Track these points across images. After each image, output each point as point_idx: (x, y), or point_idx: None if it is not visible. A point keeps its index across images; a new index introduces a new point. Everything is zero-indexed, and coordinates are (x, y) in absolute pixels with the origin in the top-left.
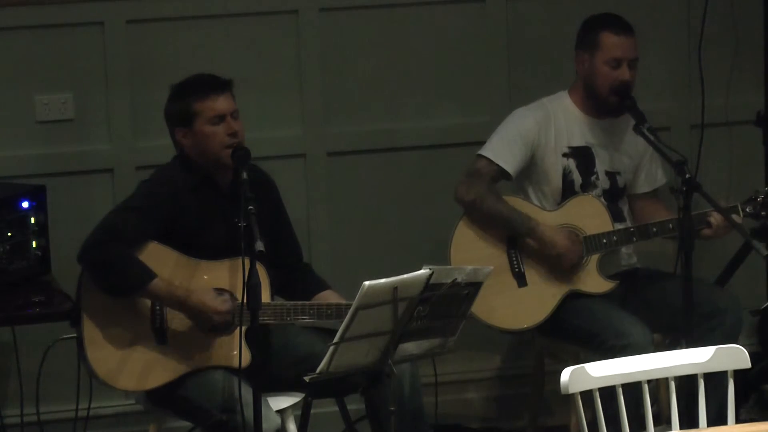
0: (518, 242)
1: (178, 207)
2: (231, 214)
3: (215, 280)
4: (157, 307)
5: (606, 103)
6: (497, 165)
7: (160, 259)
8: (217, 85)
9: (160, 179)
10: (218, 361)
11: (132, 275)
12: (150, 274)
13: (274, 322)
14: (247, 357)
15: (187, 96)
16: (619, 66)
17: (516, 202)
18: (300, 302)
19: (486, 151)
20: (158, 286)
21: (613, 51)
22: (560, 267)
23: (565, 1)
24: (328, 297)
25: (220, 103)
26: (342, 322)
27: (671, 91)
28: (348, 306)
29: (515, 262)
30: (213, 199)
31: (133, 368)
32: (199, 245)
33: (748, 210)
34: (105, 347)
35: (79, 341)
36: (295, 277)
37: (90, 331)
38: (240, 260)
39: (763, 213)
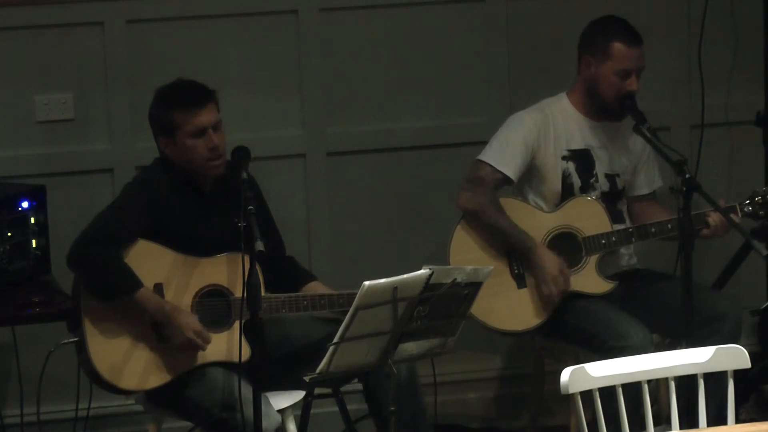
0: None
1: (162, 208)
2: (214, 215)
3: (213, 277)
4: None
5: (608, 108)
6: (501, 173)
7: (156, 258)
8: (200, 97)
9: (143, 181)
10: (218, 356)
11: (118, 281)
12: (136, 284)
13: (269, 315)
14: (246, 352)
15: (170, 107)
16: (628, 77)
17: (514, 204)
18: (293, 294)
19: (487, 157)
20: (144, 295)
21: (624, 63)
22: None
23: (565, 2)
24: (316, 288)
25: (202, 117)
26: (334, 311)
27: (671, 91)
28: (339, 296)
29: (514, 264)
30: (196, 200)
31: (135, 368)
32: (187, 245)
33: (746, 210)
34: (106, 348)
35: (80, 344)
36: (281, 270)
37: (91, 332)
38: (236, 256)
39: (761, 213)
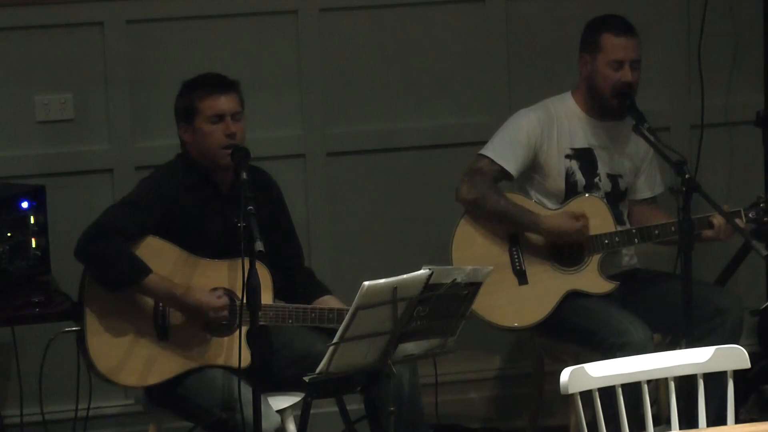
0: (520, 240)
1: (175, 205)
2: (230, 214)
3: (215, 280)
4: (160, 304)
5: (608, 106)
6: (499, 165)
7: (161, 255)
8: (222, 84)
9: (159, 177)
10: (218, 360)
11: (127, 269)
12: (145, 270)
13: (275, 324)
14: (246, 358)
15: (192, 92)
16: (621, 68)
17: (518, 200)
18: (302, 305)
19: (488, 151)
20: (154, 281)
21: (615, 53)
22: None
23: (565, 2)
24: (329, 302)
25: (222, 103)
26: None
27: (671, 91)
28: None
29: (516, 260)
30: (211, 198)
31: (135, 364)
32: (198, 244)
33: (751, 215)
34: (107, 342)
35: (81, 335)
36: (296, 281)
37: (92, 325)
38: (240, 260)
39: (766, 219)
